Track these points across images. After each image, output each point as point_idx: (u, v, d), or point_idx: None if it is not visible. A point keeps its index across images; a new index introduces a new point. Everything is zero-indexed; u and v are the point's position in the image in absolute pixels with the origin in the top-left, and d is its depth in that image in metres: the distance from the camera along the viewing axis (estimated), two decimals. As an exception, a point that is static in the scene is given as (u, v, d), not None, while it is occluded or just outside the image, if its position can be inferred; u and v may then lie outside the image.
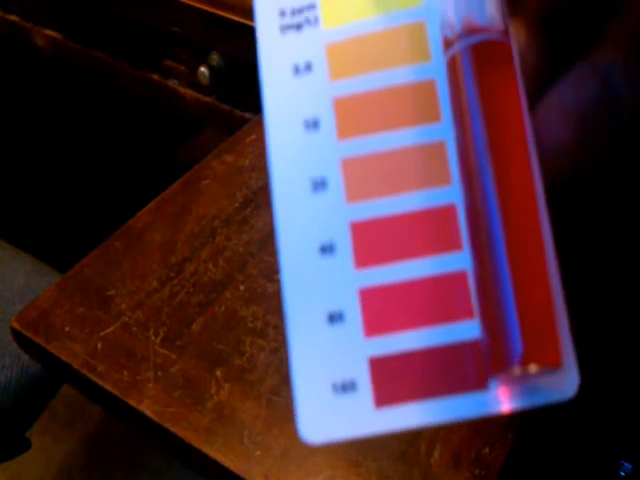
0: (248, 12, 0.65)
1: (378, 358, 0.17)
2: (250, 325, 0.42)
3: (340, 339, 0.17)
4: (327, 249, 0.17)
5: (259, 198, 0.49)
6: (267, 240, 0.46)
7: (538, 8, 0.18)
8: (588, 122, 0.17)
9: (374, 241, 0.17)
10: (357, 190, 0.17)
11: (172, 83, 0.77)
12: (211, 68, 0.70)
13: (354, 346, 0.17)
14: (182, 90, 0.76)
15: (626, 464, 0.36)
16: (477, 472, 0.35)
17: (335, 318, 0.17)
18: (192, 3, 0.67)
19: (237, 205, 0.49)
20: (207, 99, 0.74)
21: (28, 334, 0.41)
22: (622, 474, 0.36)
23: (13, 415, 0.67)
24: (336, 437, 0.16)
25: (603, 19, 0.17)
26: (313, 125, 0.18)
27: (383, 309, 0.17)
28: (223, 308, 0.43)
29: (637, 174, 0.20)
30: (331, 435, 0.16)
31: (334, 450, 0.36)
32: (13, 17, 0.86)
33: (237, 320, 0.42)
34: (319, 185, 0.18)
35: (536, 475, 0.37)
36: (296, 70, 0.19)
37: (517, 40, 0.17)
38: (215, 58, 0.70)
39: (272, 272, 0.44)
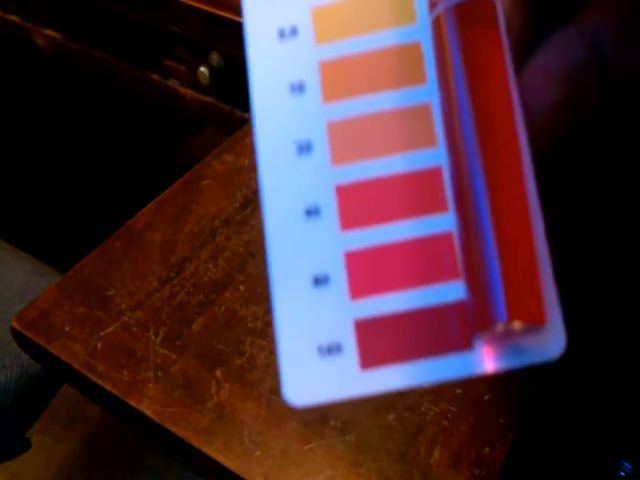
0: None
1: (364, 320, 0.16)
2: (250, 325, 0.42)
3: (325, 302, 0.17)
4: (312, 212, 0.17)
5: (259, 198, 0.49)
6: (267, 240, 0.46)
7: None
8: (575, 85, 0.17)
9: (359, 204, 0.17)
10: (342, 153, 0.17)
11: (172, 83, 0.77)
12: (211, 68, 0.70)
13: (339, 308, 0.17)
14: (182, 90, 0.76)
15: (626, 464, 0.36)
16: (477, 472, 0.35)
17: (320, 281, 0.17)
18: (192, 3, 0.67)
19: (237, 205, 0.49)
20: (207, 99, 0.74)
21: (28, 334, 0.41)
22: (622, 474, 0.36)
23: (13, 415, 0.67)
24: (321, 399, 0.16)
25: None
26: (299, 89, 0.18)
27: (369, 271, 0.17)
28: (223, 308, 0.43)
29: (624, 136, 0.19)
30: (316, 397, 0.16)
31: (334, 450, 0.36)
32: (13, 17, 0.86)
33: (237, 320, 0.42)
34: (304, 148, 0.18)
35: (536, 475, 0.37)
36: (281, 34, 0.19)
37: (502, 0, 0.17)
38: (215, 58, 0.70)
39: (272, 272, 0.44)
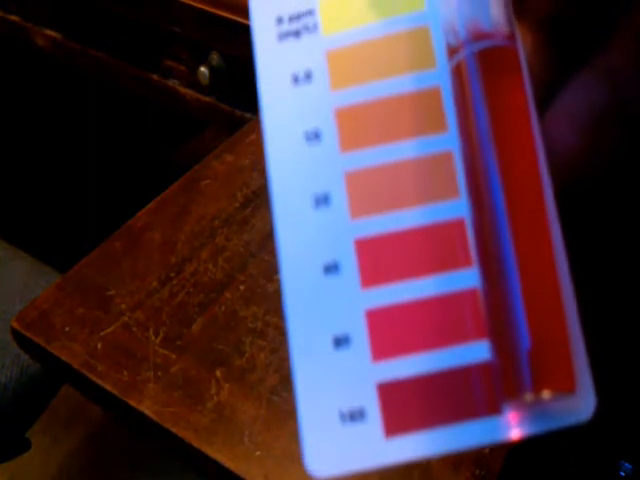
0: (248, 12, 0.65)
1: (387, 384, 0.16)
2: (250, 325, 0.42)
3: (347, 364, 0.16)
4: (332, 269, 0.16)
5: (259, 198, 0.49)
6: (267, 240, 0.46)
7: (544, 11, 0.17)
8: (598, 129, 0.17)
9: (380, 259, 0.16)
10: (362, 205, 0.17)
11: (172, 83, 0.77)
12: (211, 68, 0.70)
13: (362, 371, 0.16)
14: (182, 90, 0.76)
15: (626, 464, 0.36)
16: (477, 472, 0.35)
17: (341, 342, 0.16)
18: (192, 3, 0.67)
19: (237, 205, 0.49)
20: (207, 99, 0.74)
21: (28, 334, 0.41)
22: (622, 474, 0.36)
23: (13, 415, 0.67)
24: (346, 470, 0.15)
25: (610, 21, 0.17)
26: (314, 137, 0.17)
27: (391, 331, 0.16)
28: (223, 308, 0.43)
29: None
30: (340, 468, 0.15)
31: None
32: (13, 17, 0.86)
33: (237, 320, 0.42)
34: (322, 201, 0.17)
35: (536, 475, 0.37)
36: (295, 80, 0.18)
37: (523, 45, 0.17)
38: (215, 58, 0.70)
39: (272, 272, 0.44)
